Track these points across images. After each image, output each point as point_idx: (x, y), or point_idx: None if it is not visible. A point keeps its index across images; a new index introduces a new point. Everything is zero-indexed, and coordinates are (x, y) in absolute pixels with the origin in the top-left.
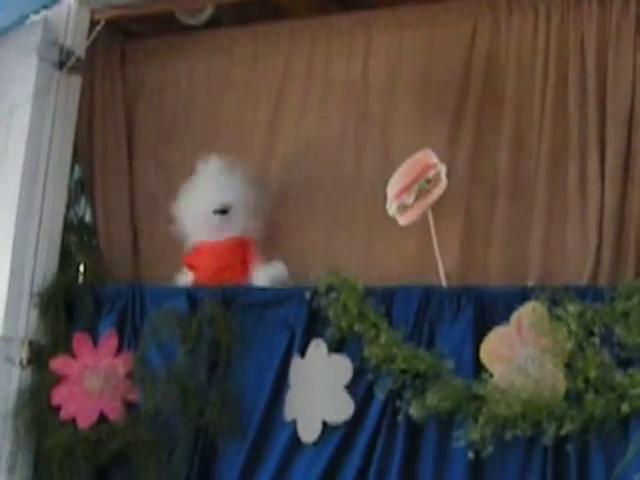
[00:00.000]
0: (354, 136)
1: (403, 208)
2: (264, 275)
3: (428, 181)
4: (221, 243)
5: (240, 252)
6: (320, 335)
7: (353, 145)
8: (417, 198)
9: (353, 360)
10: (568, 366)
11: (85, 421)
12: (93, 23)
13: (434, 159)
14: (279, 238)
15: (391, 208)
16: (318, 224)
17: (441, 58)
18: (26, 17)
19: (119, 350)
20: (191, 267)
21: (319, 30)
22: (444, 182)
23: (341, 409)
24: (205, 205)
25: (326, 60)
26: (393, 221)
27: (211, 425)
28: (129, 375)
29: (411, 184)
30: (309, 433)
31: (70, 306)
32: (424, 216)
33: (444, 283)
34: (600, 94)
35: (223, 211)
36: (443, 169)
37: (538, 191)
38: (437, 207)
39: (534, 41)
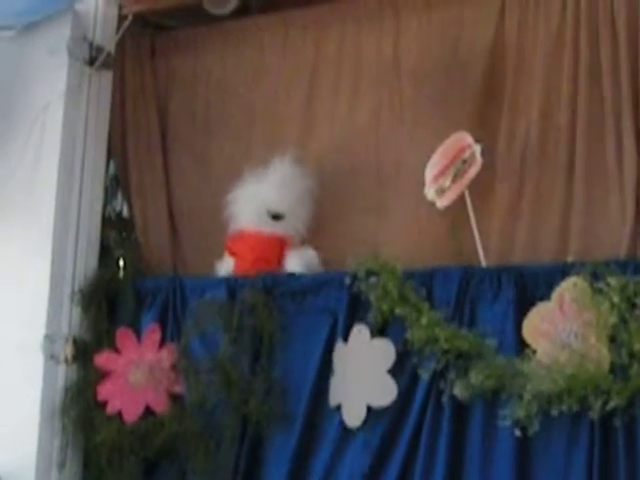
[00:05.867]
0: (388, 119)
1: (441, 191)
2: (297, 260)
3: (464, 162)
4: (261, 235)
5: (278, 248)
6: (362, 320)
7: (387, 128)
8: (454, 180)
9: (396, 343)
10: (612, 340)
11: (131, 415)
12: (121, 18)
13: (469, 139)
14: (317, 224)
15: (429, 192)
16: (356, 209)
17: (471, 36)
18: (55, 13)
19: (162, 343)
20: (232, 252)
21: (348, 13)
22: (479, 162)
23: (385, 393)
24: (262, 205)
25: (356, 43)
26: (431, 203)
27: (257, 414)
28: (173, 368)
29: (448, 166)
30: (354, 418)
31: (112, 301)
32: (461, 197)
33: (483, 263)
34: (633, 62)
35: (276, 216)
36: (478, 149)
37: (575, 166)
38: (473, 187)
39: (563, 12)
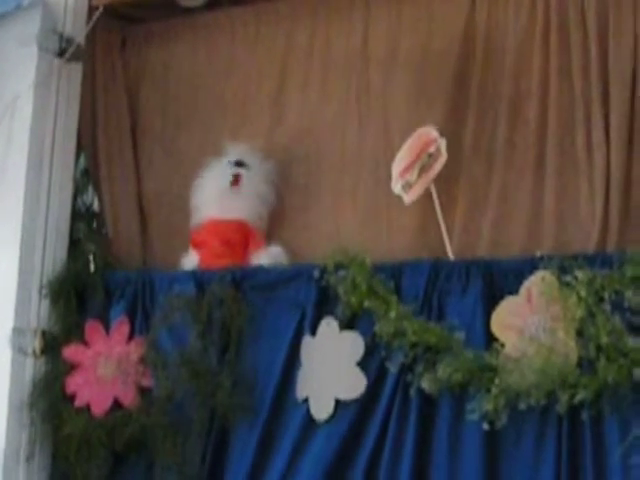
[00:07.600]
0: (356, 111)
1: (407, 186)
2: (264, 260)
3: (430, 156)
4: (225, 222)
5: (242, 234)
6: (330, 313)
7: (356, 120)
8: (420, 174)
9: (364, 336)
10: (579, 333)
11: (99, 408)
12: (92, 9)
13: (434, 134)
14: (284, 216)
15: (396, 187)
16: (323, 200)
17: (440, 29)
18: (25, 4)
19: (131, 336)
20: (196, 244)
21: (319, 6)
22: (444, 156)
23: (354, 386)
24: (224, 165)
25: (326, 36)
26: (397, 195)
27: (224, 407)
28: (142, 361)
29: (414, 161)
30: (322, 411)
31: (81, 295)
32: (428, 190)
33: (451, 256)
34: (602, 58)
35: (241, 164)
36: (443, 143)
37: (544, 160)
38: (440, 181)
39: (533, 7)
